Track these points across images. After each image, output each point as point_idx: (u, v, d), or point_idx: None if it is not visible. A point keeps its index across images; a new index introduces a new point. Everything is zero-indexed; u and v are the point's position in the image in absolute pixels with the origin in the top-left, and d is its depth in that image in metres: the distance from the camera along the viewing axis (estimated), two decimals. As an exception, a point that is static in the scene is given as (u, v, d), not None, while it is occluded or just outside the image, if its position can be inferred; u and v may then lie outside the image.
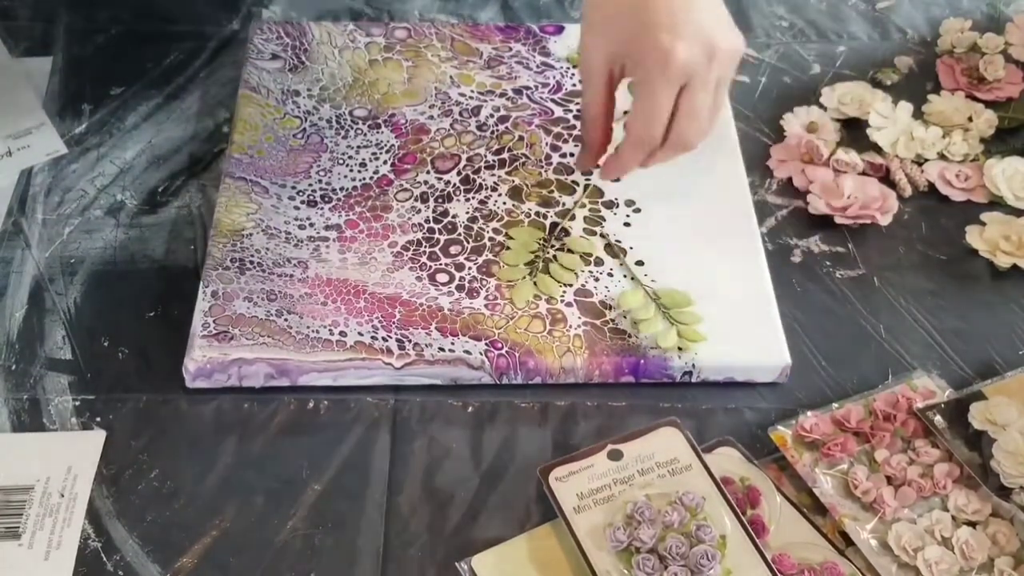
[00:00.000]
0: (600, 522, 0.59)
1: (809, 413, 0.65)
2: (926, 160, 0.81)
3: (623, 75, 0.67)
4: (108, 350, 0.68)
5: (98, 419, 0.65)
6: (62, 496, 0.61)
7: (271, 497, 0.62)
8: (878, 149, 0.82)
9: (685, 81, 0.64)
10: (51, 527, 0.60)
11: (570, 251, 0.71)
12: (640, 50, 0.64)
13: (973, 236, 0.75)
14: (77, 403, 0.66)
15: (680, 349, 0.67)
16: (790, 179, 0.80)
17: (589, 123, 0.70)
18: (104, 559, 0.59)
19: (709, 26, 0.65)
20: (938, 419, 0.64)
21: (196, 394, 0.66)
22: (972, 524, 0.60)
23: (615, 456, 0.62)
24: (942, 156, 0.81)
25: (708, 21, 0.65)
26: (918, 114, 0.84)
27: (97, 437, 0.64)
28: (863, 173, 0.80)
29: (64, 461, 0.63)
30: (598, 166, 0.71)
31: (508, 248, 0.71)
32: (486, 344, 0.66)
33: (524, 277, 0.70)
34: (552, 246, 0.72)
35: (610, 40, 0.66)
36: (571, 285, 0.69)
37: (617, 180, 0.73)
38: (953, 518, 0.61)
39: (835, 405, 0.66)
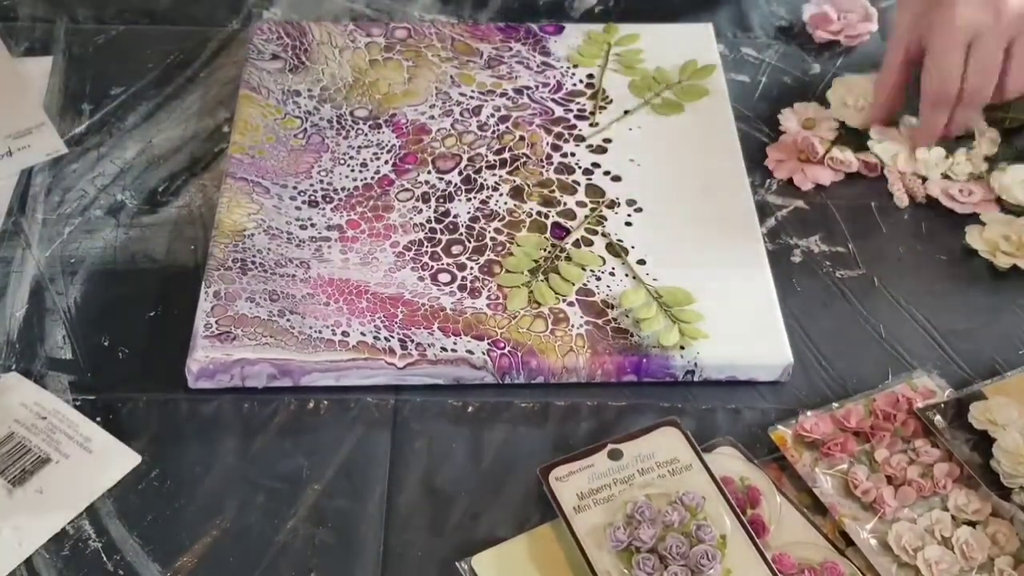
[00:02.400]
0: (600, 522, 0.59)
1: (809, 413, 0.65)
2: (926, 179, 0.80)
3: (919, 52, 0.78)
4: (108, 350, 0.68)
5: (98, 419, 0.65)
6: (44, 419, 0.63)
7: (271, 497, 0.62)
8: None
9: (970, 39, 0.75)
10: (65, 436, 0.62)
11: (572, 261, 0.71)
12: (930, 18, 0.76)
13: (973, 236, 0.75)
14: (78, 403, 0.66)
15: (682, 348, 0.67)
16: (790, 179, 0.80)
17: (880, 85, 0.81)
18: (104, 559, 0.59)
19: None
20: (938, 419, 0.64)
21: (196, 394, 0.66)
22: (972, 524, 0.60)
23: (615, 456, 0.62)
24: (945, 176, 0.79)
25: None
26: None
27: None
28: (858, 173, 0.80)
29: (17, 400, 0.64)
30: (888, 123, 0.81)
31: (512, 255, 0.71)
32: (488, 344, 0.66)
33: (521, 285, 0.70)
34: (557, 257, 0.71)
35: (912, 13, 0.78)
36: (566, 297, 0.69)
37: (933, 143, 0.79)
38: (953, 518, 0.61)
39: (835, 405, 0.66)
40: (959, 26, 0.74)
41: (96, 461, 0.62)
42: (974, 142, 0.81)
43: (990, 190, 0.78)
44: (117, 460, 0.63)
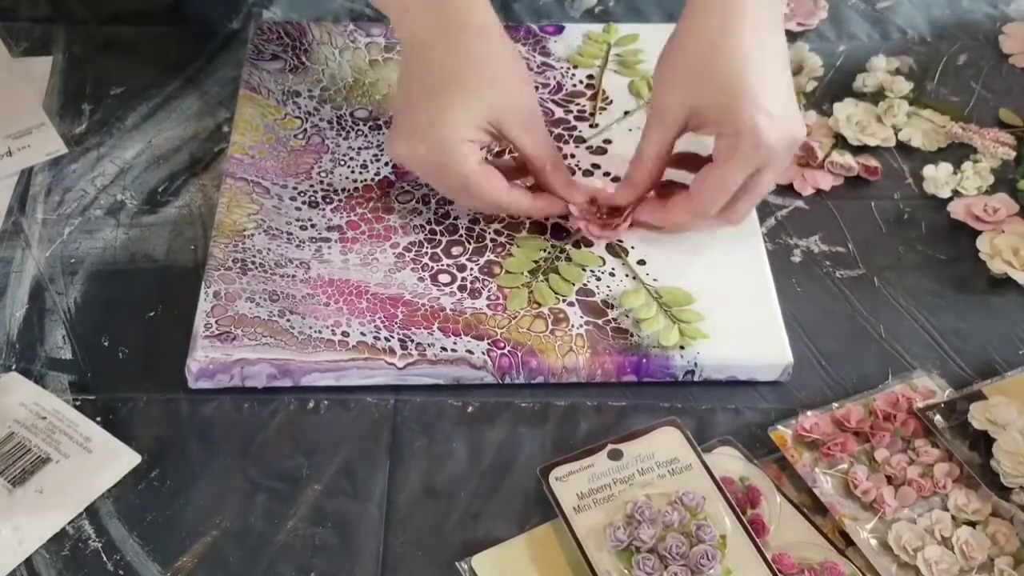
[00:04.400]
0: (600, 522, 0.59)
1: (809, 413, 0.65)
2: (938, 197, 0.79)
3: (693, 128, 0.67)
4: (108, 350, 0.68)
5: (98, 419, 0.65)
6: (44, 419, 0.63)
7: (271, 497, 0.62)
8: (873, 151, 0.82)
9: (761, 166, 0.65)
10: (65, 436, 0.62)
11: (572, 261, 0.71)
12: (732, 121, 0.64)
13: (984, 240, 0.75)
14: (77, 403, 0.66)
15: (682, 348, 0.67)
16: (790, 183, 0.80)
17: (642, 163, 0.69)
18: (104, 559, 0.59)
19: (794, 112, 0.66)
20: (938, 419, 0.64)
21: (196, 394, 0.66)
22: (972, 524, 0.61)
23: (615, 456, 0.62)
24: (956, 193, 0.79)
25: (793, 106, 0.66)
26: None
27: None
28: (858, 177, 0.80)
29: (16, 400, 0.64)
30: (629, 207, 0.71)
31: (512, 255, 0.71)
32: (488, 344, 0.66)
33: (521, 286, 0.70)
34: (556, 257, 0.71)
35: (695, 96, 0.65)
36: (565, 297, 0.69)
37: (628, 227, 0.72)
38: (953, 518, 0.61)
39: (835, 405, 0.66)
40: (765, 152, 0.63)
41: (96, 461, 0.62)
42: (976, 155, 0.81)
43: (1013, 206, 0.77)
44: (117, 460, 0.63)
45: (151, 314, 0.70)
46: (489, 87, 0.66)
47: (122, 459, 0.63)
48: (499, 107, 0.66)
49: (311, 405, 0.66)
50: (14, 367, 0.67)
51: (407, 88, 0.68)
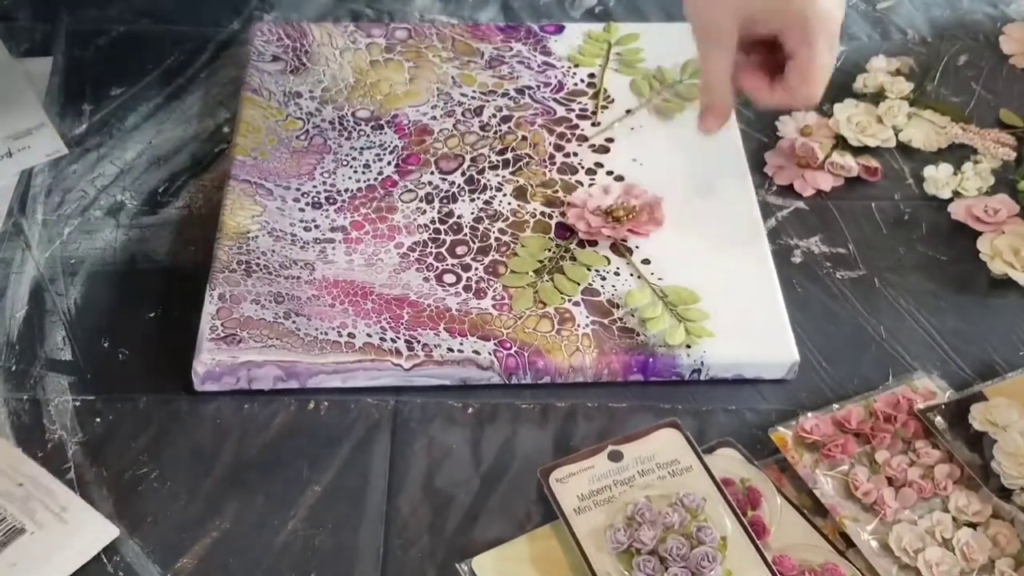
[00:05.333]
0: (600, 523, 0.59)
1: (810, 414, 0.65)
2: (939, 198, 0.79)
3: (747, 35, 0.68)
4: (108, 351, 0.68)
5: (98, 419, 0.65)
6: (20, 485, 0.60)
7: (271, 497, 0.62)
8: (873, 151, 0.82)
9: (832, 37, 0.68)
10: (40, 504, 0.60)
11: (577, 261, 0.71)
12: (795, 12, 0.66)
13: (984, 241, 0.75)
14: (77, 404, 0.66)
15: (688, 346, 0.67)
16: (791, 184, 0.80)
17: (716, 87, 0.71)
18: (104, 559, 0.59)
19: None
20: (939, 420, 0.64)
21: (197, 395, 0.66)
22: (973, 525, 0.61)
23: (616, 457, 0.62)
24: (957, 194, 0.79)
25: None
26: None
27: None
28: (858, 178, 0.80)
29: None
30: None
31: (516, 255, 0.71)
32: (495, 344, 0.66)
33: (526, 285, 0.70)
34: (561, 257, 0.71)
35: (743, 5, 0.67)
36: (571, 297, 0.69)
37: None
38: (954, 519, 0.61)
39: (835, 406, 0.66)
40: (838, 31, 0.69)
41: (71, 533, 0.59)
42: (977, 155, 0.81)
43: (1014, 207, 0.77)
44: (93, 532, 0.59)
45: (151, 315, 0.70)
46: None
47: (98, 531, 0.59)
48: None
49: (311, 406, 0.66)
50: (14, 368, 0.67)
51: None
